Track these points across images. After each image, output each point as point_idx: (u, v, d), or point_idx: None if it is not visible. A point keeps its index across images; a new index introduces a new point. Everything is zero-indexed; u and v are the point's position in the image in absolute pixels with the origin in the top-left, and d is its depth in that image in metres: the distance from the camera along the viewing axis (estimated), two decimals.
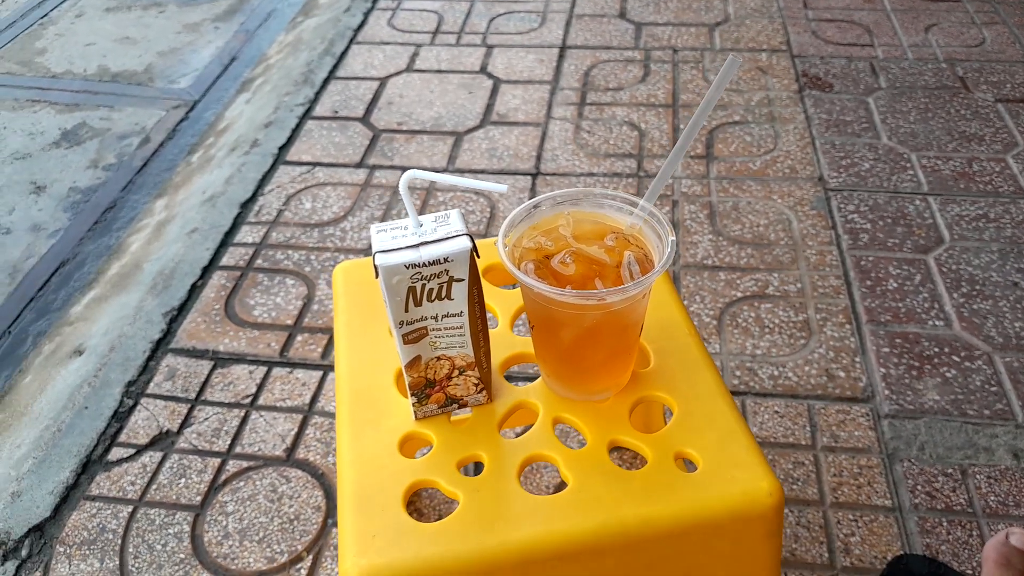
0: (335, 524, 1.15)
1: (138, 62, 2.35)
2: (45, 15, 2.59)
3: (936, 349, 1.34)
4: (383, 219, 1.65)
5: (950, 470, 1.18)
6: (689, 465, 0.72)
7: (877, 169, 1.71)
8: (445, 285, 0.66)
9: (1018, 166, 1.70)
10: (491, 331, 0.76)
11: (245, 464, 1.23)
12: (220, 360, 1.39)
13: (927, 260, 1.50)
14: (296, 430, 1.27)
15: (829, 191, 1.67)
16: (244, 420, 1.29)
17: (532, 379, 0.80)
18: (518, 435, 1.18)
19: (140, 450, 1.26)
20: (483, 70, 2.09)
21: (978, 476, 1.17)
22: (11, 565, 1.13)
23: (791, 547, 1.10)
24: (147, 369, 1.39)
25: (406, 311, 0.67)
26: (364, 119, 1.94)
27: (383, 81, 2.07)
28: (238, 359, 1.39)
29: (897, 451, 1.21)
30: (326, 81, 2.08)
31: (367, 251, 1.58)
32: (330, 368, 1.36)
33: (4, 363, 1.48)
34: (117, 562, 1.12)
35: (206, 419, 1.30)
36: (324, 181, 1.76)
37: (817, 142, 1.79)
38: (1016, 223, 1.57)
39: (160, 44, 2.43)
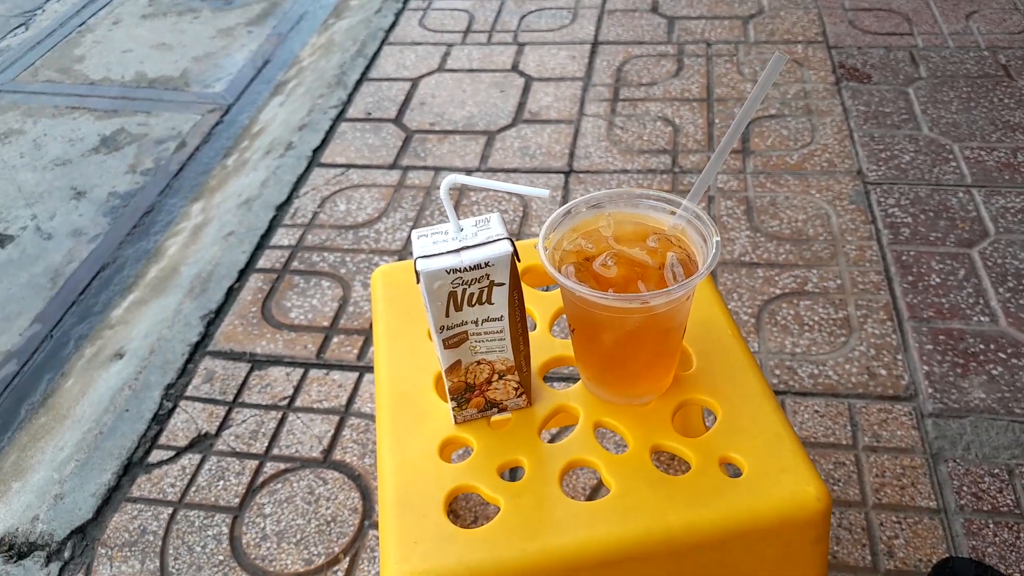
0: (372, 526, 1.15)
1: (174, 67, 2.38)
2: (83, 23, 2.64)
3: (981, 346, 1.31)
4: (417, 220, 1.65)
5: (997, 470, 1.15)
6: (733, 469, 0.70)
7: (918, 161, 1.68)
8: (486, 290, 0.65)
9: None
10: (530, 334, 0.75)
11: (282, 466, 1.24)
12: (257, 362, 1.40)
13: (971, 254, 1.47)
14: (333, 432, 1.28)
15: (868, 185, 1.63)
16: (281, 422, 1.30)
17: (568, 380, 0.79)
18: (553, 438, 1.17)
19: (179, 452, 1.27)
20: (515, 68, 2.08)
21: None
22: (54, 567, 1.15)
23: (832, 550, 1.08)
24: (185, 372, 1.40)
25: (447, 316, 0.67)
26: (397, 120, 1.94)
27: (415, 82, 2.07)
28: (275, 361, 1.40)
29: (942, 451, 1.18)
30: (359, 83, 2.09)
31: (402, 253, 1.59)
32: (366, 369, 1.37)
33: (47, 366, 1.51)
34: (158, 563, 1.13)
35: (243, 421, 1.31)
36: (358, 183, 1.77)
37: (855, 135, 1.76)
38: None
39: (195, 49, 2.45)
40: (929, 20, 2.11)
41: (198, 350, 1.44)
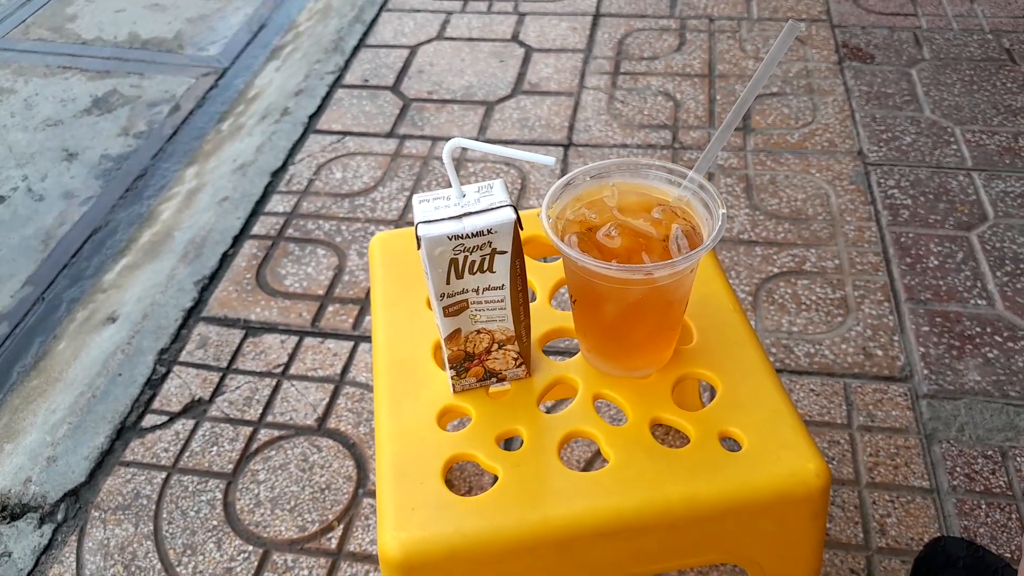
0: (366, 494, 1.15)
1: (167, 29, 2.34)
2: None
3: (978, 329, 1.31)
4: (414, 190, 1.64)
5: (990, 452, 1.16)
6: (732, 444, 0.70)
7: (919, 143, 1.67)
8: (488, 257, 0.65)
9: None
10: (531, 305, 0.75)
11: (277, 433, 1.24)
12: (251, 329, 1.39)
13: (970, 237, 1.46)
14: (327, 400, 1.27)
15: (869, 165, 1.63)
16: (276, 389, 1.29)
17: (565, 354, 0.79)
18: (549, 410, 1.17)
19: (173, 417, 1.27)
20: (515, 38, 2.06)
21: (1019, 458, 1.14)
22: (47, 528, 1.14)
23: (826, 526, 1.09)
24: (179, 337, 1.39)
25: (447, 283, 0.66)
26: (394, 88, 1.92)
27: (413, 49, 2.04)
28: (269, 328, 1.39)
29: (936, 432, 1.18)
30: (356, 49, 2.06)
31: (398, 222, 1.57)
32: (361, 339, 1.36)
33: (39, 329, 1.50)
34: (151, 527, 1.13)
35: (238, 388, 1.30)
36: (354, 151, 1.75)
37: (857, 115, 1.75)
38: None
39: (189, 11, 2.41)
40: (934, 1, 2.10)
41: (192, 315, 1.43)
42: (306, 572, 1.07)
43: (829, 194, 1.57)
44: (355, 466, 1.18)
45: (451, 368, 0.73)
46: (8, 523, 1.16)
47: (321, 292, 1.44)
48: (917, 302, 1.36)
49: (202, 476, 1.19)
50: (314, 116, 1.85)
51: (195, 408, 1.28)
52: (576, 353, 0.79)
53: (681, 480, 0.66)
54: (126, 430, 1.26)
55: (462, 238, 0.63)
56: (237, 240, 1.56)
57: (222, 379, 1.32)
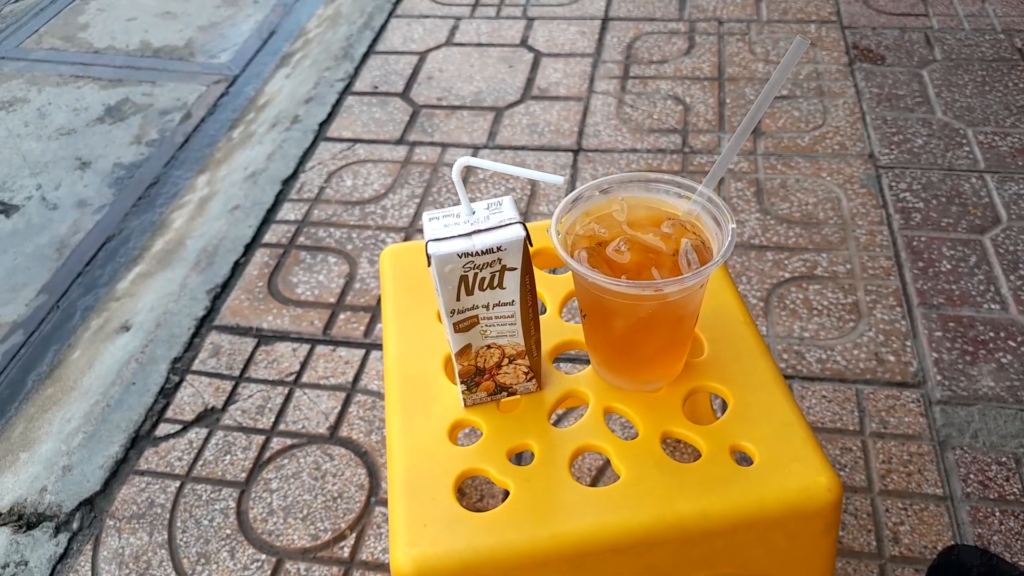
0: (379, 503, 1.16)
1: (179, 37, 2.35)
2: None
3: (991, 333, 1.31)
4: (424, 197, 1.64)
5: (1004, 459, 1.15)
6: (743, 457, 0.70)
7: (931, 145, 1.66)
8: (497, 274, 0.65)
9: None
10: (540, 317, 0.75)
11: (289, 442, 1.24)
12: (264, 337, 1.40)
13: (983, 241, 1.46)
14: (339, 408, 1.28)
15: (880, 168, 1.62)
16: (288, 398, 1.30)
17: (576, 362, 0.79)
18: (559, 419, 1.17)
19: (186, 426, 1.28)
20: (524, 43, 2.06)
21: None
22: (63, 537, 1.15)
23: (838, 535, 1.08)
24: (192, 346, 1.40)
25: (457, 300, 0.66)
26: (404, 94, 1.92)
27: (423, 55, 2.05)
28: (281, 337, 1.40)
29: (949, 438, 1.18)
30: (365, 55, 2.06)
31: (408, 230, 1.58)
32: (373, 347, 1.37)
33: (54, 337, 1.51)
34: (166, 536, 1.14)
35: (250, 396, 1.31)
36: (365, 158, 1.75)
37: (868, 117, 1.74)
38: None
39: (200, 18, 2.43)
40: (945, 1, 2.08)
41: (204, 324, 1.44)
42: None
43: (840, 198, 1.56)
44: (367, 474, 1.19)
45: (462, 383, 0.73)
46: (24, 532, 1.17)
47: (333, 300, 1.45)
48: (930, 307, 1.35)
49: (215, 485, 1.19)
50: (324, 123, 1.86)
51: (208, 417, 1.29)
52: (587, 361, 0.79)
53: (692, 495, 0.66)
54: (140, 439, 1.27)
55: (472, 255, 0.63)
56: (249, 248, 1.57)
57: (235, 388, 1.32)
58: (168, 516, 1.16)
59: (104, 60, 2.27)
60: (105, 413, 1.31)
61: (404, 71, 2.00)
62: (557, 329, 0.81)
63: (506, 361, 0.72)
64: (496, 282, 0.66)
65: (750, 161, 1.65)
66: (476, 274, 0.65)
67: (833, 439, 1.19)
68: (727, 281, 0.85)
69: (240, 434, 1.26)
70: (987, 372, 1.25)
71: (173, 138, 1.98)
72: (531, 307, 0.69)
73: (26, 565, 1.13)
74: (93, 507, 1.19)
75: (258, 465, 1.21)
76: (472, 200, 0.66)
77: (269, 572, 1.09)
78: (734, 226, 0.66)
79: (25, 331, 1.53)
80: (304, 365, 1.35)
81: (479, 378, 0.73)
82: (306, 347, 1.37)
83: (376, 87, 1.96)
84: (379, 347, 1.37)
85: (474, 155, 1.73)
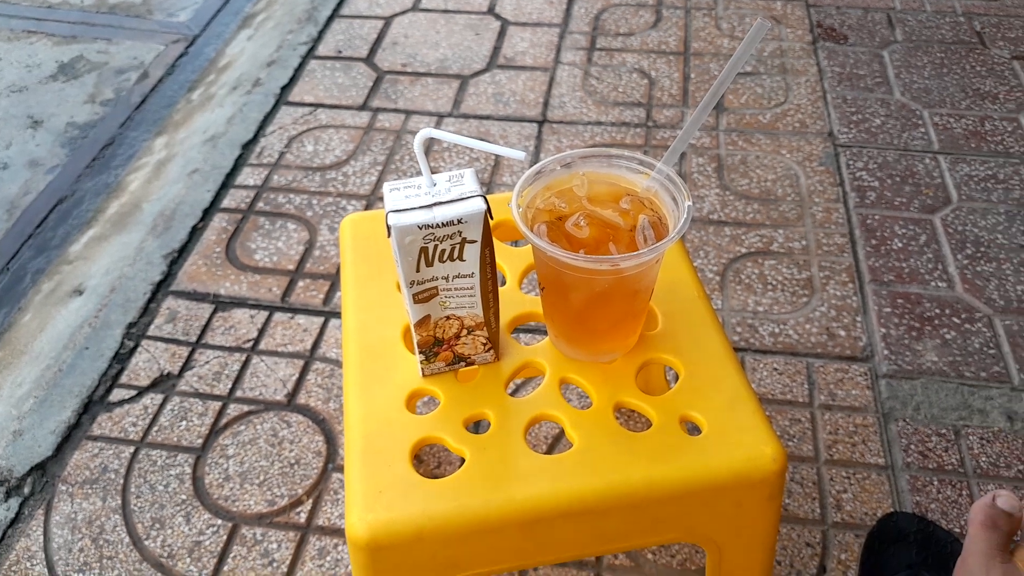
0: (336, 469, 1.16)
1: None
2: None
3: (937, 310, 1.35)
4: (386, 165, 1.63)
5: (944, 430, 1.19)
6: (694, 428, 0.72)
7: (888, 126, 1.69)
8: (458, 246, 0.65)
9: None
10: (500, 289, 0.76)
11: (246, 408, 1.24)
12: (221, 304, 1.39)
13: (933, 220, 1.50)
14: (297, 375, 1.28)
15: (839, 147, 1.65)
16: (245, 364, 1.30)
17: (534, 332, 0.80)
18: (517, 388, 1.19)
19: (141, 392, 1.27)
20: (491, 11, 2.04)
21: (971, 437, 1.18)
22: (14, 502, 1.14)
23: (784, 503, 1.12)
24: (148, 311, 1.38)
25: (417, 271, 0.66)
26: (368, 59, 1.90)
27: (388, 20, 2.02)
28: (239, 303, 1.39)
29: (893, 411, 1.22)
30: (330, 19, 2.03)
31: (369, 198, 1.57)
32: (332, 315, 1.36)
33: (3, 300, 1.48)
34: (119, 501, 1.14)
35: (207, 362, 1.30)
36: (327, 123, 1.73)
37: (829, 96, 1.77)
38: None
39: None
40: None
41: (160, 289, 1.42)
42: (275, 546, 1.09)
43: (799, 175, 1.59)
44: (324, 441, 1.20)
45: (420, 353, 0.74)
46: None
47: (291, 267, 1.44)
48: (880, 283, 1.39)
49: (171, 451, 1.19)
50: (286, 87, 1.83)
51: (164, 383, 1.28)
52: (544, 333, 0.80)
53: (642, 463, 0.68)
54: (93, 404, 1.25)
55: (432, 227, 0.64)
56: (207, 213, 1.55)
57: (191, 354, 1.31)
58: (122, 481, 1.16)
59: (58, 15, 2.20)
60: (57, 378, 1.29)
61: (369, 36, 1.97)
62: (516, 301, 0.82)
63: (465, 332, 0.73)
64: (456, 254, 0.66)
65: (712, 136, 1.67)
66: (436, 246, 0.65)
67: (783, 411, 1.22)
68: (683, 256, 0.86)
69: (196, 400, 1.25)
70: (931, 348, 1.30)
71: (129, 98, 1.93)
72: (491, 279, 0.70)
73: None
74: (45, 472, 1.18)
75: (214, 431, 1.21)
76: (434, 170, 0.67)
77: (225, 537, 1.10)
78: (690, 204, 0.67)
79: None
80: (262, 332, 1.34)
81: (438, 348, 0.73)
82: (264, 314, 1.37)
83: (340, 51, 1.93)
84: (338, 315, 1.36)
85: (438, 124, 1.72)
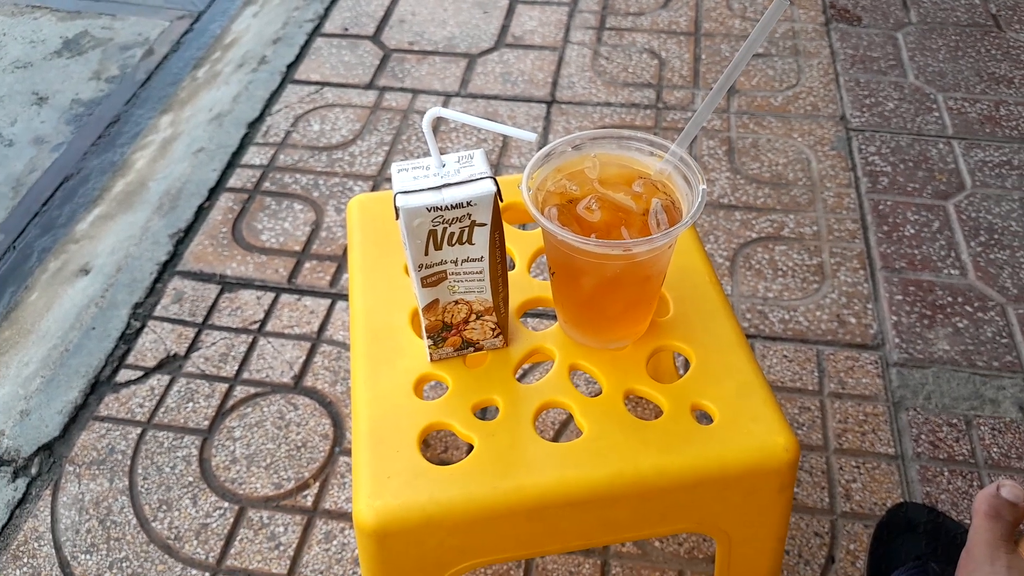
0: (342, 452, 1.16)
1: None
2: None
3: (949, 298, 1.33)
4: (393, 144, 1.62)
5: (955, 420, 1.18)
6: (705, 417, 0.71)
7: (901, 109, 1.67)
8: (467, 229, 0.64)
9: None
10: (509, 273, 0.74)
11: (253, 390, 1.24)
12: (227, 284, 1.38)
13: (946, 206, 1.48)
14: (304, 358, 1.27)
15: (851, 131, 1.62)
16: (252, 346, 1.29)
17: (543, 317, 0.79)
18: (525, 373, 1.18)
19: (148, 373, 1.26)
20: None
21: (982, 427, 1.17)
22: (21, 483, 1.14)
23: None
24: (154, 291, 1.38)
25: (426, 254, 0.65)
26: (375, 37, 1.88)
27: None
28: (246, 284, 1.38)
29: (903, 400, 1.21)
30: None
31: (376, 178, 1.56)
32: (338, 296, 1.35)
33: (10, 279, 1.47)
34: (127, 482, 1.14)
35: (213, 344, 1.30)
36: (333, 102, 1.72)
37: (841, 79, 1.74)
38: None
39: None
40: None
41: (167, 269, 1.41)
42: (281, 529, 1.08)
43: (810, 159, 1.57)
44: (331, 424, 1.19)
45: (429, 338, 0.73)
46: None
47: (298, 248, 1.43)
48: (892, 270, 1.37)
49: (177, 432, 1.19)
50: (292, 65, 1.81)
51: (170, 364, 1.27)
52: (554, 318, 0.79)
53: (652, 452, 0.67)
54: (100, 385, 1.25)
55: (441, 210, 0.62)
56: (213, 192, 1.54)
57: (197, 335, 1.31)
58: (129, 463, 1.16)
59: None
60: (64, 358, 1.29)
61: (375, 13, 1.95)
62: (525, 285, 0.81)
63: (473, 317, 0.72)
64: (465, 237, 0.65)
65: (723, 119, 1.65)
66: (445, 229, 0.64)
67: (792, 398, 1.21)
68: (695, 241, 0.85)
69: (203, 382, 1.25)
70: (943, 336, 1.28)
71: (134, 75, 1.91)
72: (500, 263, 0.68)
73: None
74: (52, 452, 1.18)
75: (221, 413, 1.21)
76: (443, 151, 0.65)
77: (231, 519, 1.09)
78: (704, 187, 0.65)
79: None
80: (268, 313, 1.33)
81: (446, 333, 0.72)
82: (271, 295, 1.36)
83: (346, 29, 1.91)
84: (345, 297, 1.36)
85: (446, 104, 1.70)
